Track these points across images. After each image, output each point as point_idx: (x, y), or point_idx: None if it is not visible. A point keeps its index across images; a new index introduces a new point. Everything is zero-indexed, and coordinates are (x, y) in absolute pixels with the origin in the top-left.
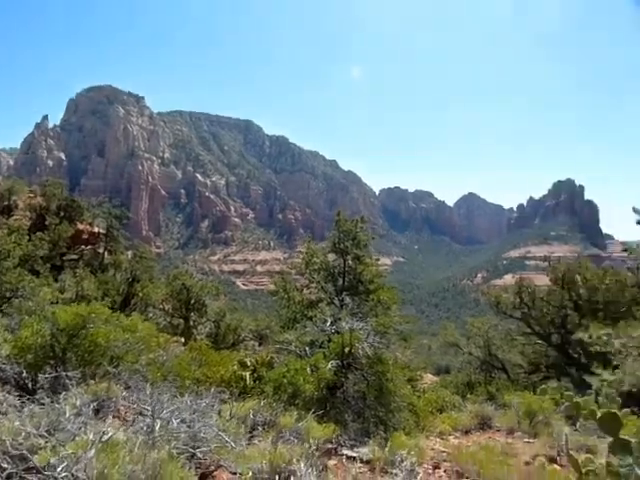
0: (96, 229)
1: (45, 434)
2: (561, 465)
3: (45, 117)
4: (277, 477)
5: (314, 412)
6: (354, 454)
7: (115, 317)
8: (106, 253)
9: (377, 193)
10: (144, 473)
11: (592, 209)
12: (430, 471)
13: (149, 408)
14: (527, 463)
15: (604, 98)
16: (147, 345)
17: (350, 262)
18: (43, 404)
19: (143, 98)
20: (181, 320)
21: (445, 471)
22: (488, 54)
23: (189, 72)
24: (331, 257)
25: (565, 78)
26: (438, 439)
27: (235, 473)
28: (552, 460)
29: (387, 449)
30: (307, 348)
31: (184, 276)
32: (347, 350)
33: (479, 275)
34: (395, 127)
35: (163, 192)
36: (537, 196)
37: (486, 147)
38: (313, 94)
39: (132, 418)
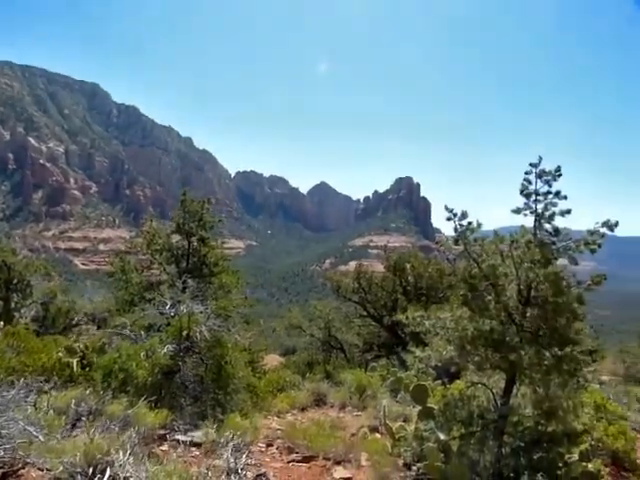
0: None
1: None
2: (382, 434)
3: None
4: (92, 469)
5: (147, 398)
6: (187, 438)
7: None
8: None
9: (232, 176)
10: None
11: (426, 205)
12: (263, 449)
13: None
14: (353, 434)
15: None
16: None
17: (195, 244)
18: None
19: None
20: (0, 302)
21: (277, 448)
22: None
23: (23, 19)
24: (176, 238)
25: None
26: (276, 417)
27: (44, 469)
28: (375, 430)
29: (216, 431)
30: (143, 332)
31: (5, 252)
32: (185, 334)
33: (327, 261)
34: (253, 109)
35: None
36: (381, 190)
37: (340, 139)
38: (168, 63)
39: None
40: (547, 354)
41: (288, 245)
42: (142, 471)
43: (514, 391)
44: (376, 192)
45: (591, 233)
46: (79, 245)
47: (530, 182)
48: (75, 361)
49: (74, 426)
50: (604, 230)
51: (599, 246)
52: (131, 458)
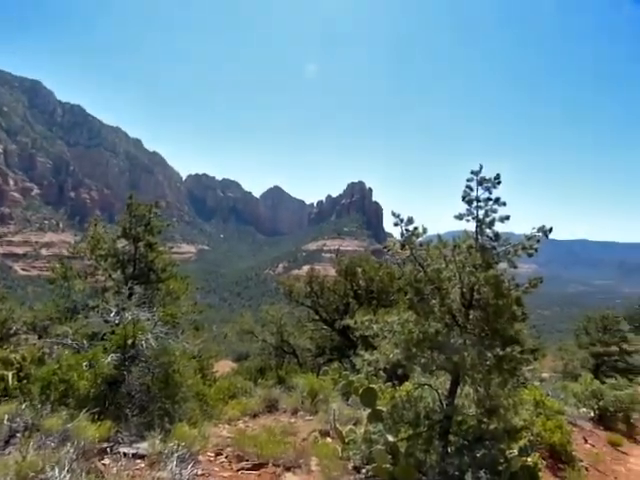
0: None
1: None
2: (332, 438)
3: None
4: None
5: (89, 410)
6: (132, 450)
7: None
8: None
9: (184, 179)
10: None
11: (378, 209)
12: (212, 458)
13: None
14: (304, 440)
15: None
16: None
17: (142, 249)
18: None
19: None
20: None
21: (227, 456)
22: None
23: None
24: (122, 243)
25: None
26: (226, 425)
27: None
28: (326, 434)
29: (162, 441)
30: (85, 341)
31: None
32: (130, 342)
33: (280, 265)
34: (206, 112)
35: None
36: (335, 194)
37: (295, 143)
38: (117, 61)
39: None
40: (489, 354)
41: (241, 249)
42: None
43: (458, 391)
44: (329, 196)
45: (528, 238)
46: (19, 250)
47: (472, 189)
48: (11, 374)
49: (7, 443)
50: (540, 235)
51: (536, 250)
52: (68, 475)
